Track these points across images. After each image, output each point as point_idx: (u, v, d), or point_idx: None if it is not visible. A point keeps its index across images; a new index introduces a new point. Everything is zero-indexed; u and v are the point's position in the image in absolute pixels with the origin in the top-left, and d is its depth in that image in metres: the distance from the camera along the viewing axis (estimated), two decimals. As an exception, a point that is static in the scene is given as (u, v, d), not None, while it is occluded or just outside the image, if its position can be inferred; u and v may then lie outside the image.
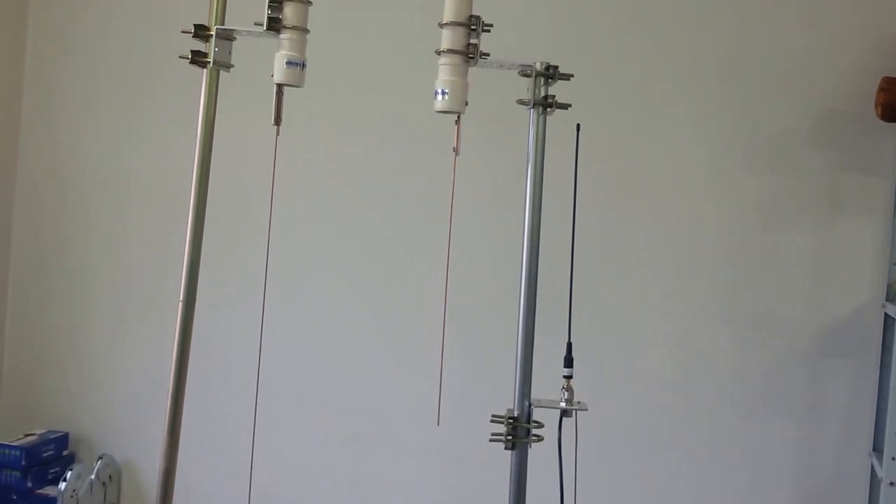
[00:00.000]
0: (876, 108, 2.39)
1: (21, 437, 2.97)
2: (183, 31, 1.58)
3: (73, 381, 3.14)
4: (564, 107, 1.65)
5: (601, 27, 2.72)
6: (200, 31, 1.58)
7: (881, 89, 2.36)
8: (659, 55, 2.67)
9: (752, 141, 2.61)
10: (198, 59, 1.59)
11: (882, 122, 2.43)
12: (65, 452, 3.05)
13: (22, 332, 3.20)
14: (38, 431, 3.02)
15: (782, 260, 2.59)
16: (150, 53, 3.05)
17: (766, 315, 2.61)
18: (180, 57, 1.58)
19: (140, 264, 3.07)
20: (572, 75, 1.63)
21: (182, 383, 1.63)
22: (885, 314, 2.49)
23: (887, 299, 2.48)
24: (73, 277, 3.14)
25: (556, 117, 1.67)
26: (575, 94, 1.71)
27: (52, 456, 2.99)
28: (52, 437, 3.01)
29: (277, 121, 1.63)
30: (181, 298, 1.61)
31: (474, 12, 1.59)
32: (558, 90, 1.66)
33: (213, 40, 1.59)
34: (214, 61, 1.59)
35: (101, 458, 3.01)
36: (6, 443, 2.92)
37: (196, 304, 1.64)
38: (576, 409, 1.69)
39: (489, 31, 1.60)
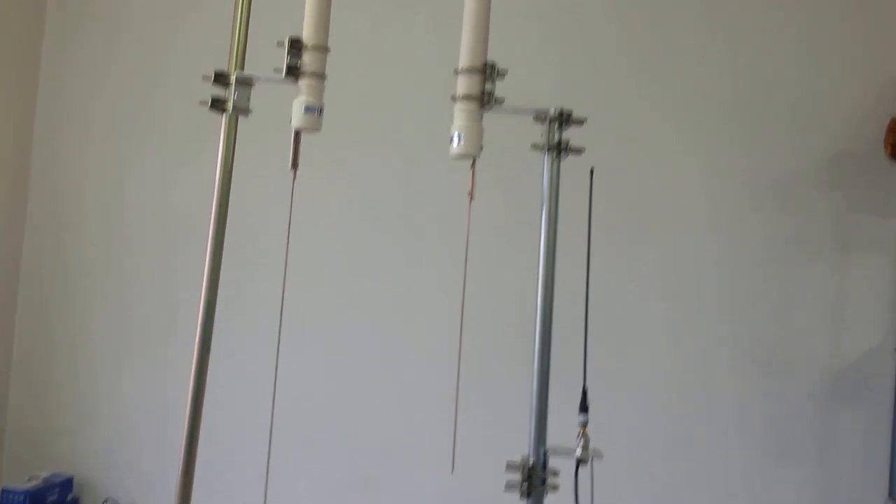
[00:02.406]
0: (885, 147, 2.42)
1: (26, 480, 2.94)
2: (204, 77, 1.60)
3: (78, 423, 3.12)
4: (578, 151, 1.66)
5: (611, 72, 2.76)
6: (220, 78, 1.60)
7: (890, 129, 2.40)
8: (668, 97, 2.71)
9: (761, 182, 2.63)
10: (217, 105, 1.61)
11: (890, 163, 2.45)
12: (69, 497, 3.01)
13: (27, 372, 3.19)
14: (43, 475, 2.99)
15: (792, 302, 2.59)
16: (151, 88, 3.11)
17: (776, 358, 2.60)
18: (200, 103, 1.60)
19: (143, 305, 3.08)
20: (586, 120, 1.65)
21: (196, 427, 1.62)
22: (897, 357, 2.48)
23: (899, 342, 2.48)
24: (77, 319, 3.14)
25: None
26: (585, 136, 1.73)
27: (56, 500, 2.95)
28: (57, 480, 2.98)
29: (294, 165, 1.65)
30: (196, 342, 1.60)
31: (489, 58, 1.61)
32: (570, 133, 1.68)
33: (232, 87, 1.61)
34: (234, 107, 1.61)
35: (105, 501, 2.98)
36: (11, 487, 2.89)
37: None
38: (592, 458, 1.67)
39: (504, 77, 1.62)
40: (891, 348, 2.51)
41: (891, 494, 2.44)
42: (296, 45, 1.58)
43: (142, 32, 3.16)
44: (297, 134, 1.63)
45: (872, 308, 2.54)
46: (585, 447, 1.69)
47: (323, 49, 1.60)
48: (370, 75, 2.91)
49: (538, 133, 1.67)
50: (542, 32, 2.82)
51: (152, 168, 3.09)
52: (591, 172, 1.73)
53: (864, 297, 2.55)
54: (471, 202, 1.67)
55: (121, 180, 3.13)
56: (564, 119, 1.64)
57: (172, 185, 3.04)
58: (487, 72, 1.60)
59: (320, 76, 1.61)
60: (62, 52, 3.23)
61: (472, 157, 1.62)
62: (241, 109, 1.63)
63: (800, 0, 2.64)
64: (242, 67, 1.64)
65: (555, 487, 1.66)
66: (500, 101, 1.62)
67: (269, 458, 1.91)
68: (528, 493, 1.65)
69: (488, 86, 1.61)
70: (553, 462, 1.67)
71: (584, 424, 1.72)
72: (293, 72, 1.59)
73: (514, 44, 2.74)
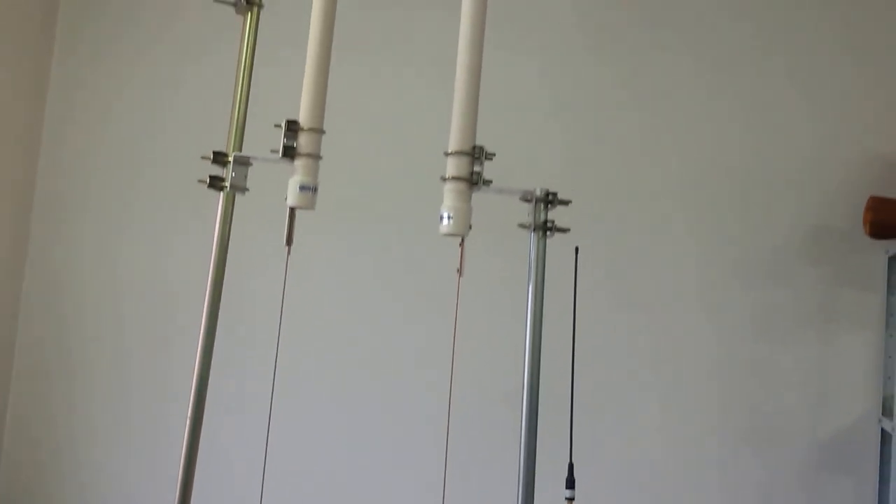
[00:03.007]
0: (864, 225, 2.47)
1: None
2: (202, 158, 1.66)
3: (77, 497, 3.11)
4: (564, 230, 1.72)
5: (601, 149, 2.84)
6: (218, 158, 1.67)
7: (868, 208, 2.45)
8: (658, 173, 2.78)
9: (747, 255, 2.69)
10: (215, 183, 1.67)
11: (870, 239, 2.51)
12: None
13: (21, 448, 3.20)
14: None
15: (778, 373, 2.63)
16: (148, 161, 3.19)
17: (761, 428, 2.63)
18: (199, 181, 1.66)
19: (142, 378, 3.11)
20: (570, 201, 1.71)
21: (188, 496, 1.64)
22: (882, 429, 2.51)
23: (883, 414, 2.51)
24: (75, 392, 3.17)
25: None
26: (574, 211, 1.78)
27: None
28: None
29: (289, 241, 1.69)
30: (189, 415, 1.64)
31: (478, 141, 1.68)
32: (557, 214, 1.73)
33: (230, 166, 1.67)
34: (231, 185, 1.67)
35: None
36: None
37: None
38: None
39: (491, 159, 1.69)
40: (875, 419, 2.54)
41: (878, 566, 2.45)
42: (292, 127, 1.64)
43: (140, 105, 3.24)
44: (293, 211, 1.68)
45: (856, 379, 2.58)
46: (571, 522, 1.72)
47: (318, 131, 1.66)
48: (365, 143, 2.99)
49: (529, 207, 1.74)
50: (534, 106, 2.91)
51: (149, 241, 3.16)
52: (576, 251, 1.79)
53: (848, 368, 2.59)
54: (460, 278, 1.73)
55: (117, 254, 3.19)
56: (550, 200, 1.70)
57: (168, 257, 3.10)
58: (476, 154, 1.67)
59: (316, 157, 1.67)
60: (61, 127, 3.31)
61: (461, 235, 1.68)
62: (239, 188, 1.69)
63: (785, 81, 2.73)
64: (241, 148, 1.70)
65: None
66: (487, 183, 1.68)
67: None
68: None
69: (477, 167, 1.68)
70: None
71: (571, 500, 1.74)
72: (289, 152, 1.65)
73: (506, 120, 2.84)
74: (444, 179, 1.68)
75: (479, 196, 1.69)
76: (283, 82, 2.63)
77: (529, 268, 1.75)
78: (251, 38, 1.75)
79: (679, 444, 2.67)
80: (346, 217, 2.97)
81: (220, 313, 1.67)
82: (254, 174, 1.73)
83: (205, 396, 1.67)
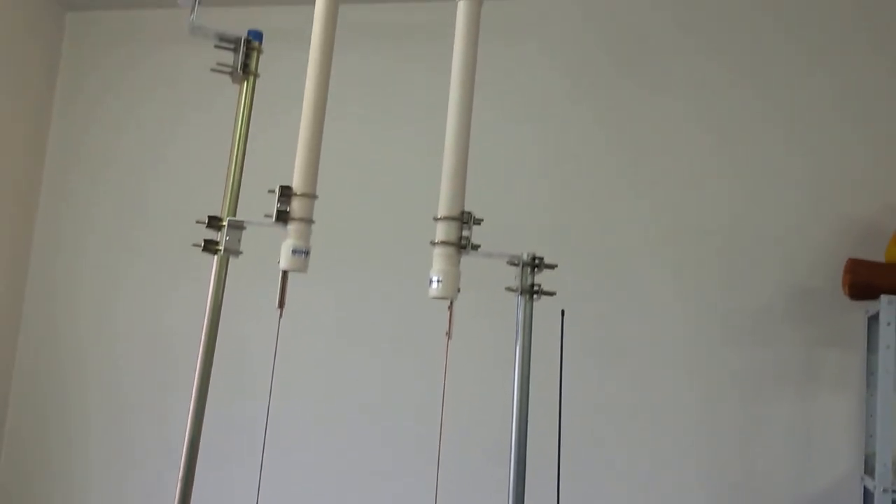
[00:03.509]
0: (843, 287, 2.53)
1: None
2: (197, 222, 1.70)
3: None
4: (550, 294, 1.76)
5: (588, 212, 2.91)
6: (213, 222, 1.71)
7: (847, 271, 2.51)
8: (643, 236, 2.84)
9: (730, 316, 2.74)
10: (210, 247, 1.70)
11: (851, 300, 2.57)
12: None
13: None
14: None
15: (761, 431, 2.66)
16: (143, 221, 3.24)
17: (745, 486, 2.65)
18: (193, 245, 1.70)
19: (140, 426, 3.12)
20: (556, 265, 1.75)
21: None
22: (864, 487, 2.53)
23: (865, 472, 2.53)
24: (73, 445, 3.17)
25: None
26: (561, 272, 1.83)
27: None
28: None
29: (281, 303, 1.73)
30: (180, 476, 1.65)
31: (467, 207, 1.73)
32: (544, 278, 1.78)
33: (224, 230, 1.71)
34: (225, 249, 1.70)
35: None
36: None
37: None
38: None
39: (480, 224, 1.73)
40: (858, 477, 2.56)
41: None
42: (286, 193, 1.69)
43: (139, 161, 3.30)
44: (285, 274, 1.72)
45: (839, 437, 2.61)
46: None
47: (311, 196, 1.71)
48: (356, 203, 3.04)
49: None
50: (522, 169, 2.98)
51: (145, 297, 3.20)
52: (562, 314, 1.83)
53: (831, 427, 2.63)
54: (448, 341, 1.76)
55: (113, 311, 3.22)
56: (536, 264, 1.75)
57: (163, 314, 3.15)
58: (465, 219, 1.72)
59: (308, 221, 1.71)
60: (61, 181, 3.36)
61: (450, 299, 1.71)
62: (233, 251, 1.72)
63: (772, 150, 2.80)
64: (235, 212, 1.74)
65: None
66: (476, 247, 1.72)
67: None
68: None
69: (465, 232, 1.73)
70: None
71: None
72: (283, 216, 1.70)
73: (495, 184, 2.90)
74: (433, 244, 1.73)
75: (468, 257, 1.74)
76: (277, 144, 2.69)
77: (517, 330, 1.78)
78: (247, 106, 1.80)
79: (664, 502, 2.68)
80: (337, 276, 3.01)
81: (213, 370, 1.69)
82: (248, 234, 1.78)
83: (197, 450, 1.68)
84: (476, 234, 1.72)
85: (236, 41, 1.80)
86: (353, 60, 3.14)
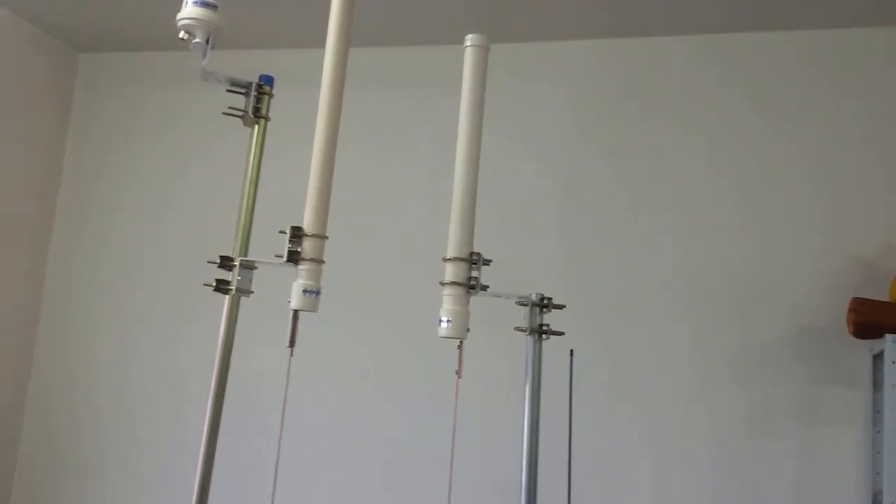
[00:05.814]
0: (847, 326, 2.54)
1: None
2: (209, 262, 1.72)
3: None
4: (559, 334, 1.78)
5: (598, 251, 2.93)
6: (225, 262, 1.73)
7: (851, 310, 2.52)
8: (653, 276, 2.86)
9: (739, 354, 2.74)
10: (221, 287, 1.72)
11: (855, 339, 2.57)
12: None
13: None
14: None
15: (770, 468, 2.65)
16: (153, 248, 3.28)
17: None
18: (205, 285, 1.72)
19: (152, 463, 3.13)
20: (564, 306, 1.77)
21: None
22: (874, 527, 2.52)
23: (874, 511, 2.52)
24: (86, 475, 3.18)
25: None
26: (570, 311, 1.84)
27: None
28: None
29: (292, 343, 1.74)
30: (190, 515, 1.65)
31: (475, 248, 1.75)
32: (553, 317, 1.79)
33: (236, 270, 1.73)
34: (237, 289, 1.72)
35: None
36: None
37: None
38: None
39: (489, 264, 1.75)
40: (867, 517, 2.55)
41: None
42: (297, 234, 1.71)
43: (148, 206, 3.35)
44: (296, 314, 1.73)
45: (847, 474, 2.60)
46: None
47: (322, 237, 1.73)
48: (366, 242, 3.07)
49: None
50: (532, 209, 3.01)
51: (156, 336, 3.23)
52: (571, 354, 1.84)
53: (838, 464, 2.62)
54: (458, 380, 1.77)
55: (126, 353, 3.25)
56: (545, 305, 1.76)
57: (176, 353, 3.17)
58: (474, 260, 1.74)
59: (319, 261, 1.73)
60: (74, 224, 3.40)
61: (459, 338, 1.73)
62: (244, 291, 1.74)
63: (778, 190, 2.82)
64: (246, 253, 1.77)
65: None
66: (485, 288, 1.74)
67: None
68: None
69: (475, 272, 1.74)
70: None
71: None
72: (294, 257, 1.71)
73: (504, 223, 2.93)
74: (442, 284, 1.75)
75: (478, 296, 1.75)
76: (287, 183, 2.72)
77: (526, 369, 1.79)
78: (258, 150, 1.83)
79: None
80: (348, 315, 3.02)
81: (224, 409, 1.70)
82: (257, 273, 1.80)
83: (209, 488, 1.69)
84: (486, 273, 1.74)
85: (248, 86, 1.83)
86: (363, 102, 3.18)
